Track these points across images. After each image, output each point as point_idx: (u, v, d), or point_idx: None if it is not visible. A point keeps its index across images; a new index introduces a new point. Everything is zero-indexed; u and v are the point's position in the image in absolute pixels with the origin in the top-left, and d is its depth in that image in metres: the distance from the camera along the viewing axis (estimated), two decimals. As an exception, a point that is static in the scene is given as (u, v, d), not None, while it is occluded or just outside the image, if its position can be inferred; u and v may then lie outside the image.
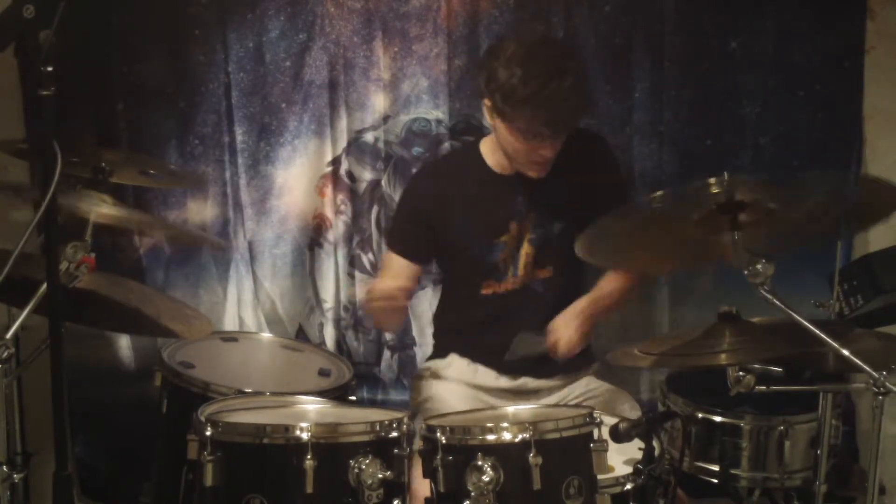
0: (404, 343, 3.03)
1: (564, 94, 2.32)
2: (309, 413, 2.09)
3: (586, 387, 2.63)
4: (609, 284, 2.60)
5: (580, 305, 2.54)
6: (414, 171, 2.93)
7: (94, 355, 2.95)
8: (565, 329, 2.48)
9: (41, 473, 2.33)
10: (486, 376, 2.62)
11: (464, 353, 2.65)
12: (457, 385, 2.62)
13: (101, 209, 2.08)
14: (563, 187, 2.54)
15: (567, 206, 2.54)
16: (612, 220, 2.11)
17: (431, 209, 2.58)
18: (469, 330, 2.64)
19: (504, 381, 2.61)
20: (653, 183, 2.97)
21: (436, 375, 2.66)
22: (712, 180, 1.90)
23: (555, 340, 2.48)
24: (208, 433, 1.87)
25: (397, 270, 2.61)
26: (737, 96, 2.97)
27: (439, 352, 2.73)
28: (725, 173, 2.04)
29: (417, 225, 2.60)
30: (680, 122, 2.97)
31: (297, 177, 2.95)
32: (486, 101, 2.43)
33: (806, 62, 2.95)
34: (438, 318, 2.83)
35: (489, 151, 2.59)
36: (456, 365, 2.65)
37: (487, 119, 2.48)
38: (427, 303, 2.99)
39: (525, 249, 2.57)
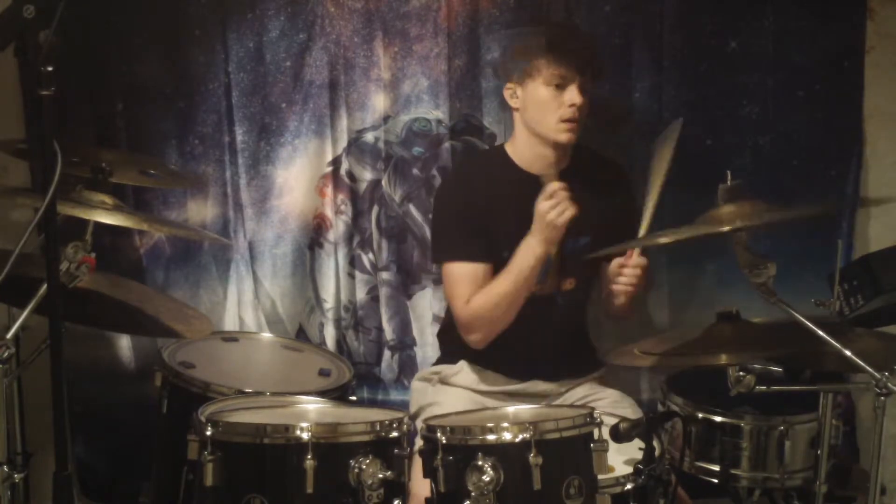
0: (404, 343, 3.02)
1: (580, 36, 2.59)
2: (309, 413, 2.10)
3: (589, 390, 2.64)
4: None
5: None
6: (415, 171, 2.93)
7: (94, 355, 2.94)
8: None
9: (41, 473, 2.33)
10: (495, 380, 2.62)
11: (475, 360, 2.64)
12: (463, 392, 2.62)
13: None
14: (587, 198, 2.55)
15: (592, 219, 2.55)
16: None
17: (470, 210, 2.56)
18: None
19: (513, 385, 2.62)
20: (653, 183, 2.97)
21: (443, 381, 2.66)
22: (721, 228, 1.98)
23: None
24: (208, 433, 1.88)
25: (469, 280, 2.52)
26: (737, 96, 2.96)
27: (448, 357, 2.72)
28: (728, 174, 2.05)
29: (472, 224, 2.55)
30: (680, 122, 2.97)
31: (297, 177, 2.94)
32: (509, 86, 2.56)
33: (806, 62, 2.95)
34: (450, 325, 2.72)
35: (514, 151, 2.62)
36: (465, 372, 2.64)
37: (512, 104, 2.57)
38: (427, 303, 2.99)
39: (554, 256, 2.56)
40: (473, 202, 2.57)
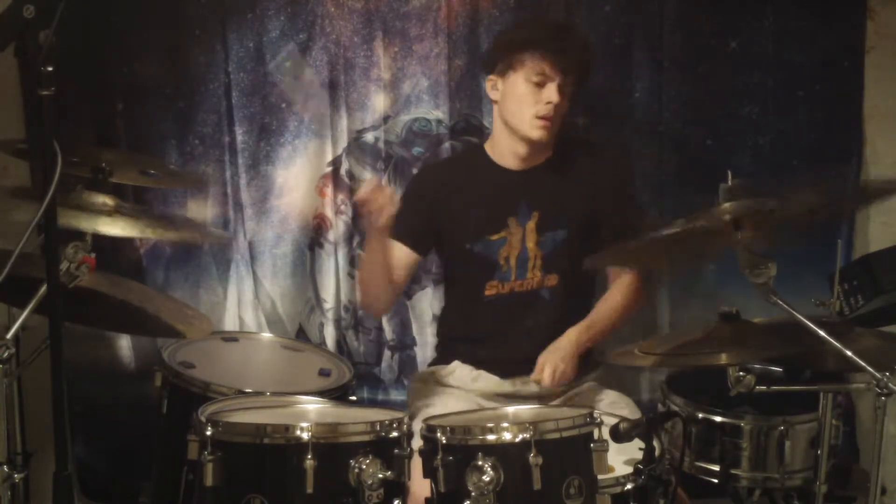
0: (405, 343, 3.03)
1: (569, 36, 2.54)
2: (309, 413, 2.09)
3: (587, 391, 2.63)
4: (605, 307, 2.64)
5: (571, 336, 2.55)
6: (415, 170, 2.93)
7: (94, 355, 2.95)
8: (555, 360, 2.49)
9: (41, 473, 2.33)
10: (489, 381, 2.63)
11: (467, 359, 2.64)
12: (458, 391, 2.62)
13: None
14: (568, 192, 2.58)
15: (569, 213, 2.57)
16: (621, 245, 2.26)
17: (435, 200, 2.62)
18: (474, 335, 2.64)
19: (507, 386, 2.62)
20: (653, 183, 2.97)
21: (438, 381, 2.66)
22: (723, 208, 1.97)
23: (543, 372, 2.49)
24: (208, 433, 1.87)
25: (396, 259, 2.61)
26: (737, 96, 2.97)
27: (442, 358, 2.73)
28: (729, 173, 2.05)
29: (421, 213, 2.61)
30: (680, 122, 2.97)
31: (297, 177, 2.95)
32: (491, 77, 2.57)
33: (806, 62, 2.95)
34: (442, 323, 2.83)
35: (493, 147, 2.65)
36: (459, 372, 2.65)
37: (492, 96, 2.58)
38: (427, 303, 2.99)
39: (533, 251, 2.59)
40: (439, 190, 2.61)
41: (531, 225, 2.59)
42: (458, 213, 2.60)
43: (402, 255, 2.61)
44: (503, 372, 2.62)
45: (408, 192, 2.72)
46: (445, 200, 2.61)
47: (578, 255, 2.49)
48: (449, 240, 2.64)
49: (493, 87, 2.58)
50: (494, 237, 2.59)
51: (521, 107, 2.52)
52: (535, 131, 2.52)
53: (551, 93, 2.48)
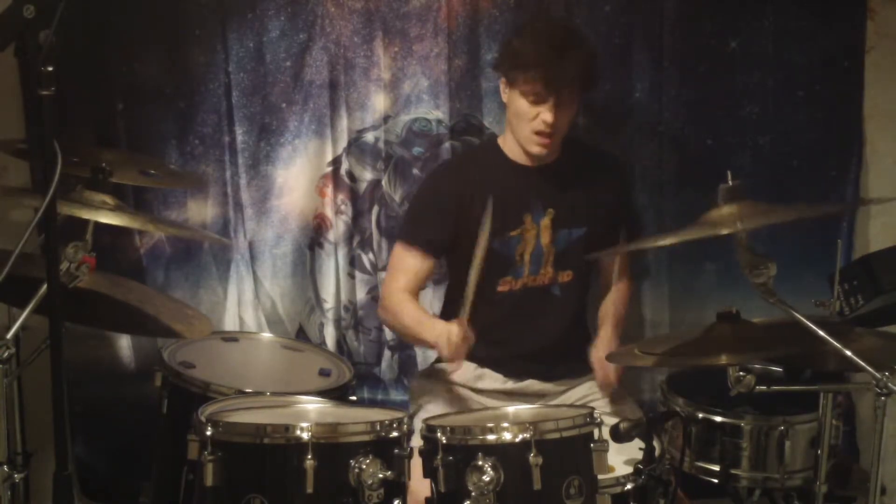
0: (405, 343, 3.02)
1: (561, 57, 2.46)
2: (309, 413, 2.10)
3: (588, 390, 2.64)
4: (620, 305, 2.68)
5: (608, 333, 2.60)
6: (415, 171, 2.93)
7: (94, 355, 2.94)
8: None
9: (41, 473, 2.33)
10: (492, 380, 2.63)
11: (471, 359, 2.64)
12: (462, 389, 2.62)
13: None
14: (580, 190, 2.61)
15: (586, 211, 2.58)
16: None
17: (456, 199, 2.60)
18: (481, 332, 2.63)
19: (510, 384, 2.62)
20: (653, 183, 2.97)
21: (440, 379, 2.66)
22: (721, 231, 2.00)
23: (609, 375, 2.54)
24: (208, 433, 1.88)
25: (409, 267, 2.62)
26: (737, 96, 2.97)
27: None
28: (728, 174, 2.06)
29: (441, 216, 2.61)
30: (680, 122, 2.97)
31: (297, 177, 2.94)
32: (503, 80, 2.57)
33: (806, 62, 2.95)
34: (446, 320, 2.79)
35: (504, 143, 2.66)
36: (463, 370, 2.64)
37: (503, 97, 2.58)
38: (427, 303, 2.98)
39: (547, 248, 2.60)
40: (458, 190, 2.60)
41: (546, 222, 2.60)
42: (477, 214, 2.58)
43: (420, 262, 2.62)
44: (507, 371, 2.63)
45: (426, 194, 2.71)
46: (468, 198, 2.59)
47: (593, 252, 2.52)
48: (470, 238, 2.62)
49: (503, 90, 2.58)
50: (513, 233, 2.60)
51: (520, 121, 2.53)
52: (534, 147, 2.54)
53: (546, 113, 2.47)
